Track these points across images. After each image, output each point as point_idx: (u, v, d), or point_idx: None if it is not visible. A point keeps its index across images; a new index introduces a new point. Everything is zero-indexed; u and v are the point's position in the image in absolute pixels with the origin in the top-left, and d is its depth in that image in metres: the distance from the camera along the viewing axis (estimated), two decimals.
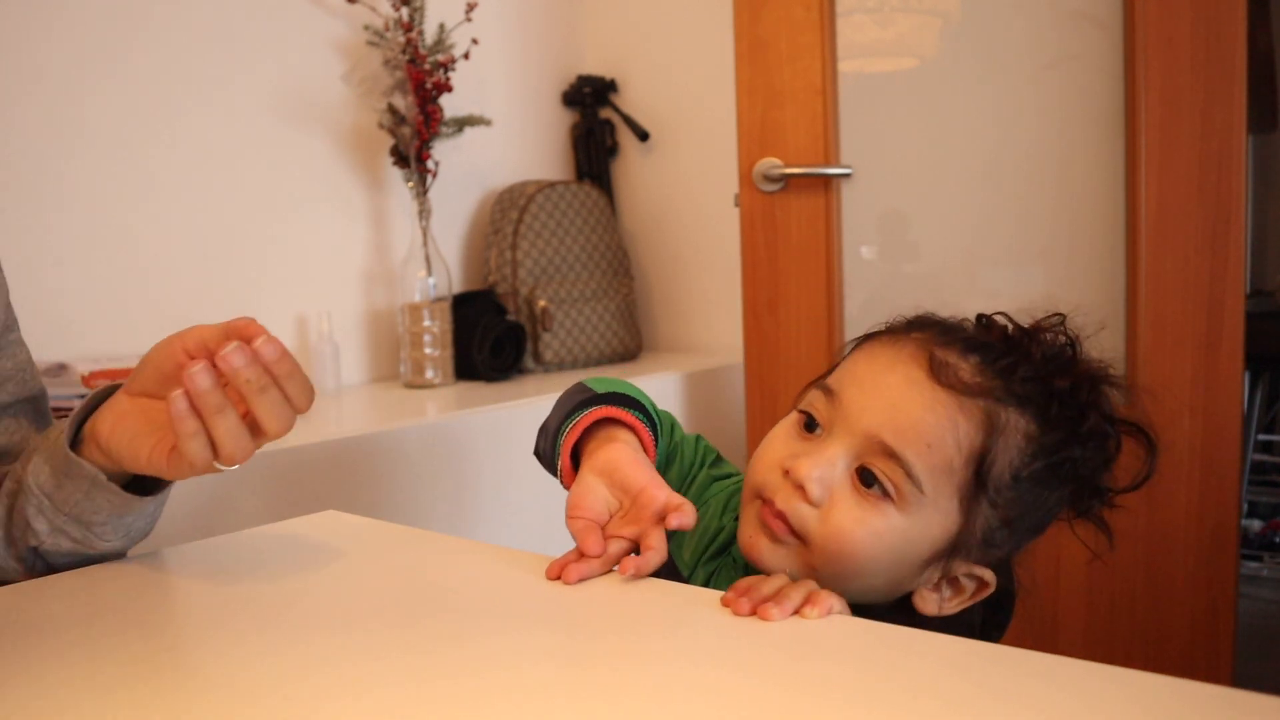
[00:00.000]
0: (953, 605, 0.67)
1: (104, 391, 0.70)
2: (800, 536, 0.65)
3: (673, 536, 0.69)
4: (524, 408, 1.59)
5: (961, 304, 0.72)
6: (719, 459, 0.84)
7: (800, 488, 0.64)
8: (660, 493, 0.65)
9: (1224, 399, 1.45)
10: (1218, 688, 0.44)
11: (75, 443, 0.68)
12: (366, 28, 1.80)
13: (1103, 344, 0.68)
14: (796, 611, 0.55)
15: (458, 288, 1.99)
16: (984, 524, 0.64)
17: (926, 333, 0.67)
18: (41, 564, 0.72)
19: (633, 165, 2.29)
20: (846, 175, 1.61)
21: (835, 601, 0.56)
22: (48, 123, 1.47)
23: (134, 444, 0.65)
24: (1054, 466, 0.64)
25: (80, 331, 1.50)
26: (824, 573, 0.64)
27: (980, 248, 1.62)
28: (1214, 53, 1.41)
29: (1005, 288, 1.62)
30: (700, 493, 0.80)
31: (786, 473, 0.65)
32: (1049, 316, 0.68)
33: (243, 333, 0.61)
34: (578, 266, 2.05)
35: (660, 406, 0.81)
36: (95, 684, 0.50)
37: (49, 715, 0.47)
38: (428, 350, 1.79)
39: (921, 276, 1.66)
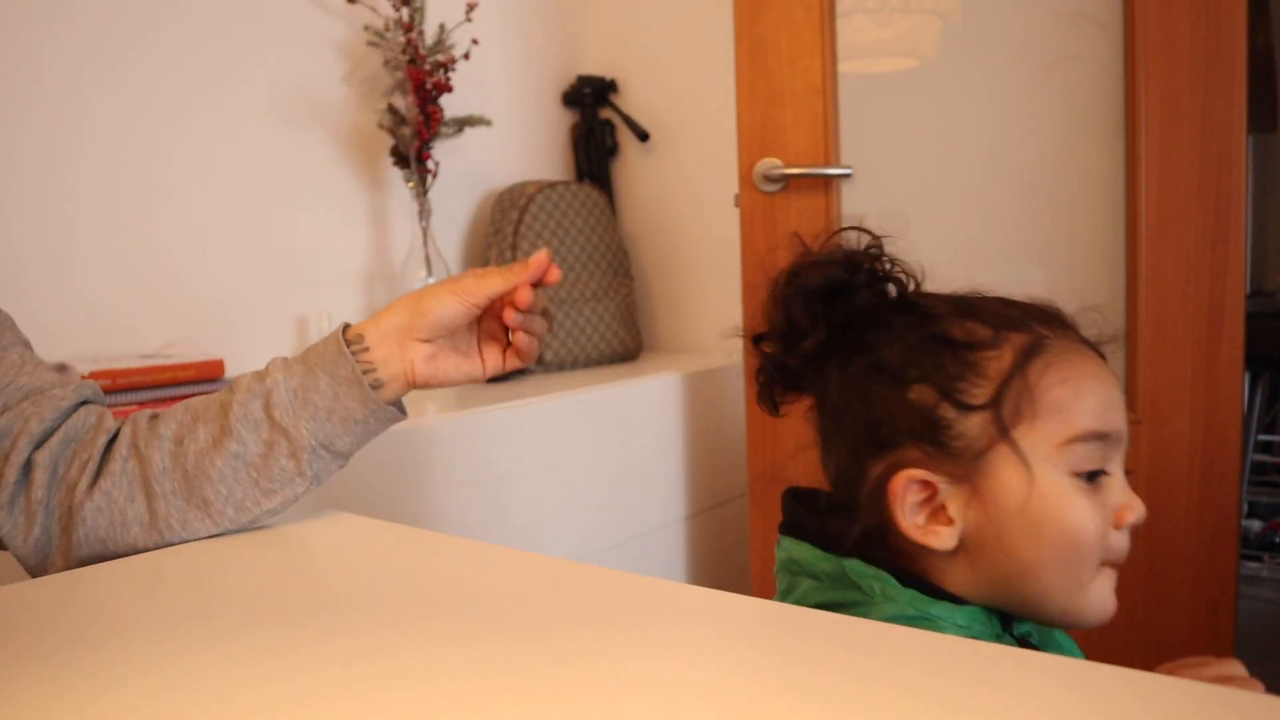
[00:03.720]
0: None
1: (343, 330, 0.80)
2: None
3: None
4: (524, 407, 1.58)
5: None
6: None
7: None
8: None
9: (1224, 399, 1.45)
10: (1218, 688, 0.44)
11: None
12: (366, 28, 1.80)
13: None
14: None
15: None
16: None
17: (1068, 329, 0.74)
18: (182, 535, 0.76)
19: (633, 165, 2.29)
20: (846, 175, 1.61)
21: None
22: (48, 125, 1.47)
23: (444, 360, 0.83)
24: None
25: (80, 332, 1.50)
26: None
27: (980, 248, 1.62)
28: (1214, 53, 1.41)
29: (1005, 288, 1.61)
30: None
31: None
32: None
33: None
34: (578, 267, 2.05)
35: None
36: (93, 685, 0.50)
37: (47, 715, 0.47)
38: None
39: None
